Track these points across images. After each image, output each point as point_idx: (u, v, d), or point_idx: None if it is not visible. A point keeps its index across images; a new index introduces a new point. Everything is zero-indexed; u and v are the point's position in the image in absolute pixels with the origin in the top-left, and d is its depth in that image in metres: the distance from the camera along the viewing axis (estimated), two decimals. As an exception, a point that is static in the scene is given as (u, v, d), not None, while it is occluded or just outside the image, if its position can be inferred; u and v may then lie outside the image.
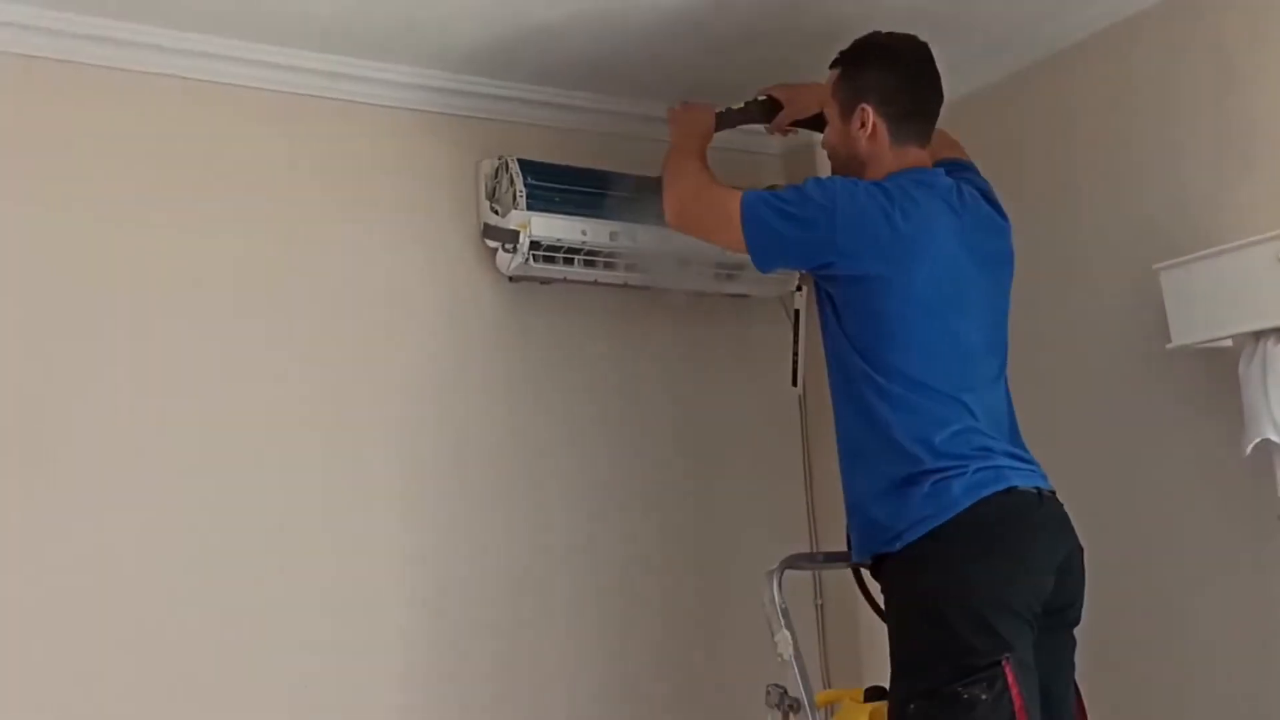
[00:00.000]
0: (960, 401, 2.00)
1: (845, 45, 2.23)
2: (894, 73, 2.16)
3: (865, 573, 2.20)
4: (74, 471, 2.25)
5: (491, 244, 2.64)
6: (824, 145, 2.27)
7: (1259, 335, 2.16)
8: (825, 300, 2.13)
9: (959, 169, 2.24)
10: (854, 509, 2.06)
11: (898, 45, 2.18)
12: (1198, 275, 2.23)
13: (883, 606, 2.22)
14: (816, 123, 2.54)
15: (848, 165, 2.19)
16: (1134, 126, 2.52)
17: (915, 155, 2.16)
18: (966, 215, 2.12)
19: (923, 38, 2.18)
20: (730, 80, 2.65)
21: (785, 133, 2.57)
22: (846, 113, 2.17)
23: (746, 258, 2.16)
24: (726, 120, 2.48)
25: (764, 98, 2.50)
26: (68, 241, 2.31)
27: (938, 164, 2.19)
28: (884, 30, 2.23)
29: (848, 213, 2.03)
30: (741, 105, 2.50)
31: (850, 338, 2.06)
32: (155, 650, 2.25)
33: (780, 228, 2.08)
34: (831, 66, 2.23)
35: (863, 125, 2.14)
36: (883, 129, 2.14)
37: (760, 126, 2.56)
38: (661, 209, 2.29)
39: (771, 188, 2.56)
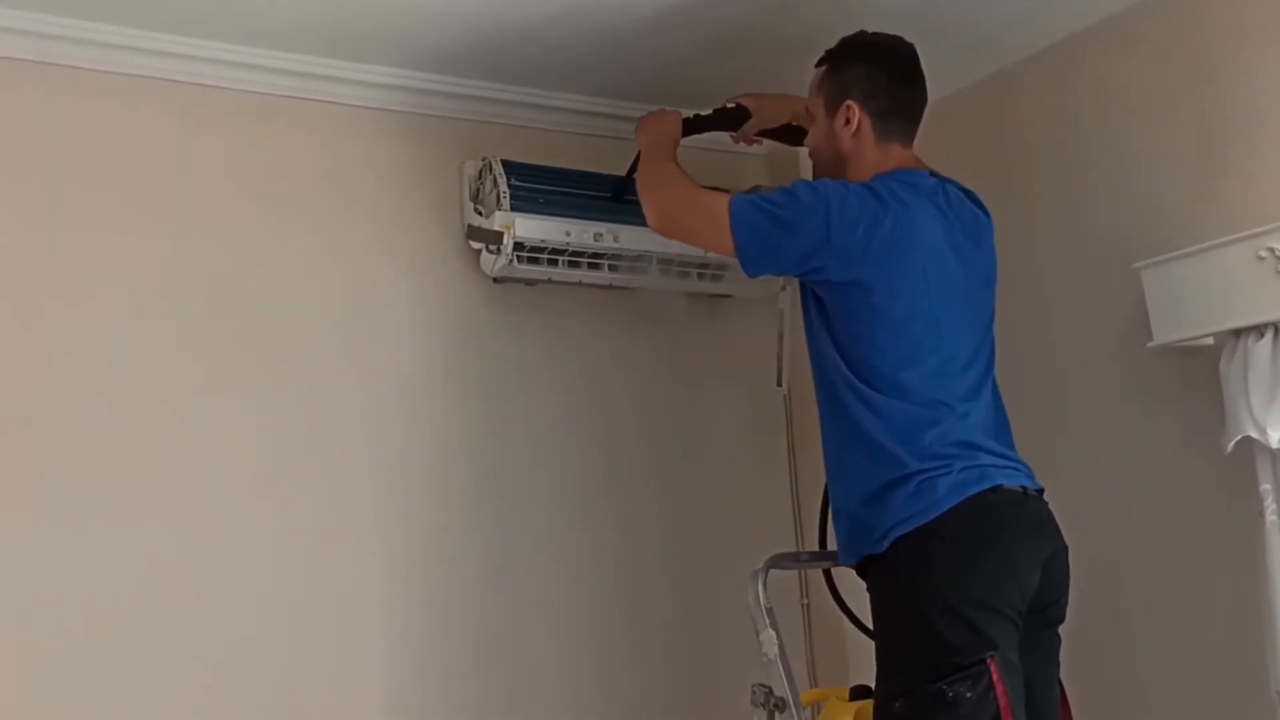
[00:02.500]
0: (945, 403, 2.01)
1: (824, 45, 2.22)
2: (880, 69, 2.15)
3: (836, 576, 2.20)
4: (56, 480, 2.23)
5: (476, 245, 2.64)
6: (808, 144, 2.26)
7: (1239, 333, 2.17)
8: (812, 304, 2.12)
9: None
10: (840, 513, 2.06)
11: (884, 43, 2.19)
12: (1178, 274, 2.24)
13: (850, 607, 2.26)
14: (784, 133, 2.54)
15: (832, 164, 2.18)
16: (1114, 125, 2.53)
17: (899, 155, 2.15)
18: (953, 216, 2.12)
19: (899, 34, 2.18)
20: (712, 82, 2.65)
21: (751, 142, 2.56)
22: (831, 109, 2.17)
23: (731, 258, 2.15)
24: (695, 126, 2.45)
25: (733, 105, 2.49)
26: (45, 245, 2.30)
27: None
28: (863, 29, 2.22)
29: (840, 216, 2.01)
30: (710, 112, 2.49)
31: (837, 341, 2.05)
32: (142, 657, 2.24)
33: (770, 232, 2.05)
34: (817, 65, 2.22)
35: (847, 122, 2.14)
36: (867, 126, 2.13)
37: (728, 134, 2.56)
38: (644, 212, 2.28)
39: (755, 189, 2.56)
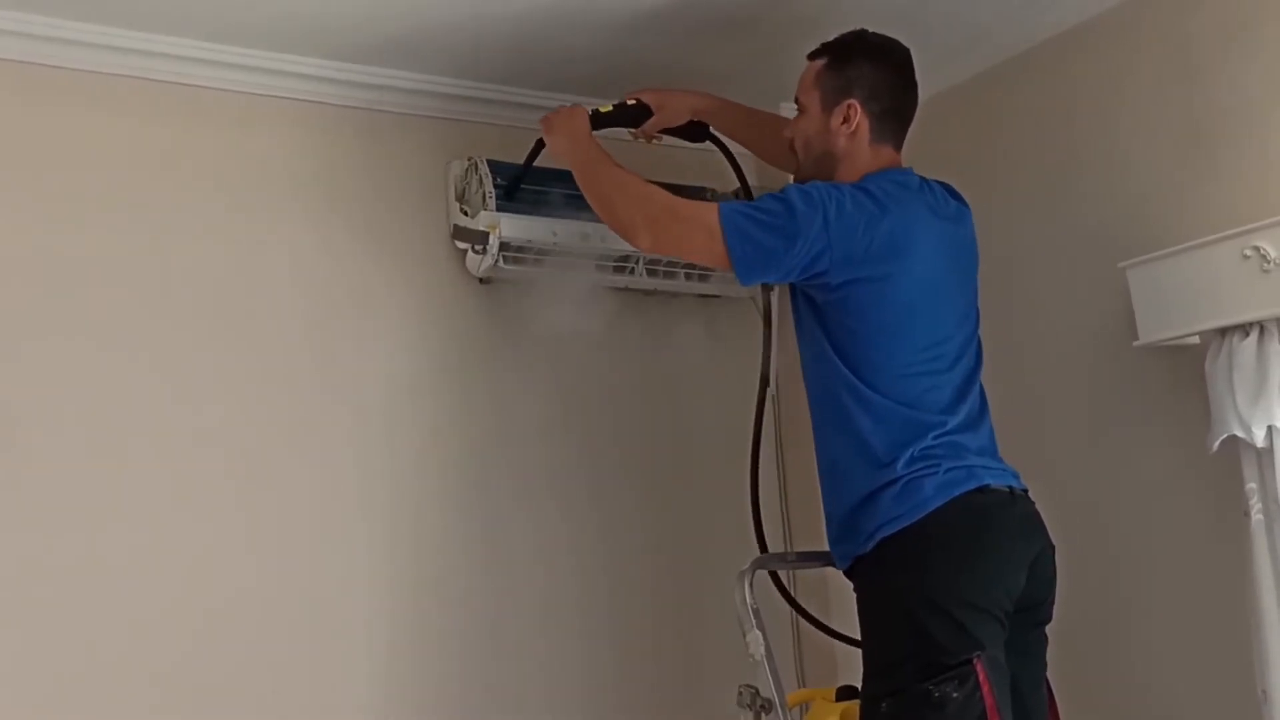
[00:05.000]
0: (937, 402, 2.00)
1: (814, 40, 2.21)
2: (883, 70, 2.13)
3: (822, 579, 2.20)
4: (39, 483, 2.22)
5: (461, 245, 2.63)
6: (794, 136, 2.21)
7: (1225, 332, 2.17)
8: (803, 307, 2.09)
9: None
10: (832, 518, 2.06)
11: (889, 44, 2.17)
12: (1164, 272, 2.24)
13: (805, 607, 2.31)
14: (686, 131, 2.50)
15: (820, 161, 2.15)
16: (1100, 124, 2.53)
17: (889, 156, 2.15)
18: (941, 212, 2.12)
19: (891, 35, 2.18)
20: (700, 81, 2.65)
21: (651, 139, 2.51)
22: (829, 105, 2.13)
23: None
24: (595, 123, 2.38)
25: (633, 101, 2.45)
26: (29, 247, 2.29)
27: None
28: (864, 28, 2.20)
29: (839, 221, 1.97)
30: (610, 108, 2.43)
31: (835, 344, 2.03)
32: (131, 656, 2.24)
33: (766, 241, 1.99)
34: (811, 57, 2.19)
35: (845, 120, 2.11)
36: (866, 126, 2.11)
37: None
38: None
39: (735, 193, 2.55)
